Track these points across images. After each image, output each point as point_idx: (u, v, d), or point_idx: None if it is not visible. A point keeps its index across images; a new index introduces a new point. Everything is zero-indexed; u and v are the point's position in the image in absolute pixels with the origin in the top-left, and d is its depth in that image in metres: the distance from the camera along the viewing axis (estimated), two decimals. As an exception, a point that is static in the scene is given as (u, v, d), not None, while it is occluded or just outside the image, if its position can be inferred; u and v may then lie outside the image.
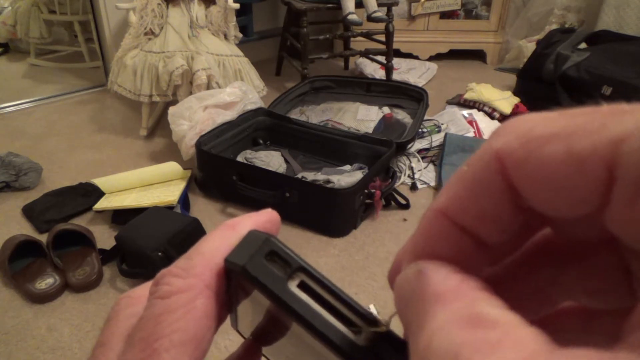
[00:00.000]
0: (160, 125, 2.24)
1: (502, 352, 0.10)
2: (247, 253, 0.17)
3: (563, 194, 0.11)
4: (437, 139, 2.01)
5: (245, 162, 1.76)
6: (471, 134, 2.06)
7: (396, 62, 2.75)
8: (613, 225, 0.11)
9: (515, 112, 2.28)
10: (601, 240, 0.14)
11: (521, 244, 0.15)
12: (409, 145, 1.92)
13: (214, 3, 2.13)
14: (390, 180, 1.67)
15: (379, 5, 2.35)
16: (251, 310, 0.20)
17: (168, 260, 1.28)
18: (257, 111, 1.94)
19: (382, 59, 2.61)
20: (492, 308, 0.11)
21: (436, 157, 1.98)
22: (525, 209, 0.13)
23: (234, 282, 0.18)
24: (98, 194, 1.66)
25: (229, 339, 1.16)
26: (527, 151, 0.12)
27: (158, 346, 0.16)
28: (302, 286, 0.16)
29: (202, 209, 1.68)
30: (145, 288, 0.19)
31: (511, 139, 0.12)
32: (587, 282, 0.15)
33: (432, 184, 1.85)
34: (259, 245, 0.17)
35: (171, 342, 0.16)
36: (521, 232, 0.15)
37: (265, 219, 0.20)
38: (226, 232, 0.19)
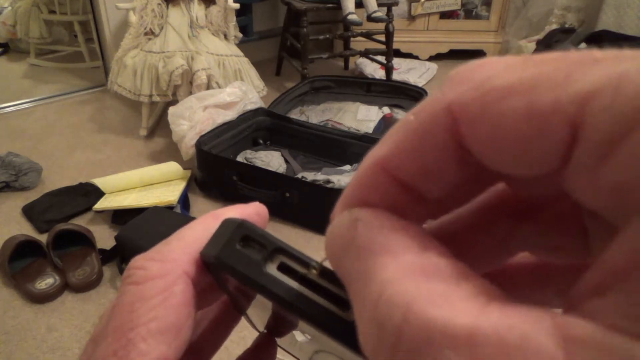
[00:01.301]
0: (160, 125, 2.24)
1: (455, 304, 0.10)
2: (221, 241, 0.16)
3: (520, 155, 0.10)
4: (437, 139, 2.01)
5: (245, 162, 1.76)
6: (471, 134, 2.06)
7: (396, 62, 2.75)
8: (570, 188, 0.10)
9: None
10: (558, 196, 0.13)
11: (468, 197, 0.14)
12: (409, 145, 1.92)
13: (214, 3, 2.13)
14: (390, 180, 1.66)
15: (379, 5, 2.35)
16: (260, 303, 0.19)
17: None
18: (257, 111, 1.94)
19: (382, 59, 2.61)
20: (442, 259, 0.11)
21: (436, 157, 1.98)
22: (475, 166, 0.11)
23: (218, 275, 0.17)
24: (98, 194, 1.65)
25: (230, 339, 1.16)
26: (482, 106, 0.10)
27: (134, 336, 0.15)
28: (283, 268, 0.15)
29: (202, 209, 1.68)
30: None
31: (466, 89, 0.11)
32: (543, 237, 0.14)
33: (432, 184, 1.85)
34: (232, 232, 0.16)
35: (148, 331, 0.15)
36: (469, 187, 0.13)
37: (251, 210, 0.19)
38: (209, 220, 0.18)
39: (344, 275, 0.12)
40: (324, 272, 0.15)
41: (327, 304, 0.14)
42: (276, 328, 0.22)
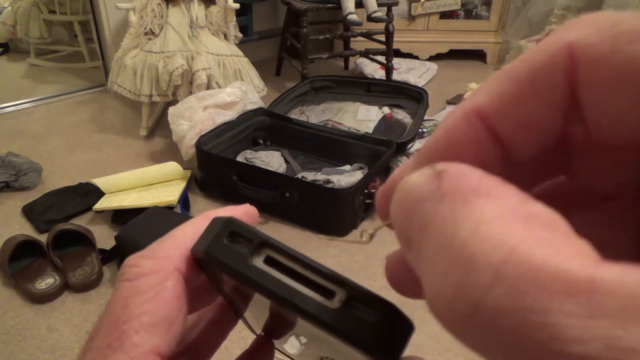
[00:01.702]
0: (160, 125, 2.24)
1: (567, 253, 0.09)
2: (210, 237, 0.16)
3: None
4: (437, 139, 2.01)
5: (245, 162, 1.76)
6: (471, 134, 2.06)
7: (396, 62, 2.75)
8: None
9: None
10: (617, 193, 0.12)
11: (541, 176, 0.14)
12: (409, 145, 1.92)
13: (214, 3, 2.13)
14: (390, 180, 1.66)
15: (379, 5, 2.35)
16: (257, 305, 0.20)
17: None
18: (257, 111, 1.94)
19: (382, 59, 2.61)
20: (548, 210, 0.10)
21: (436, 157, 1.97)
22: (575, 124, 0.11)
23: (209, 272, 0.18)
24: (98, 194, 1.66)
25: (229, 339, 1.16)
26: (612, 47, 0.10)
27: (127, 328, 0.15)
28: (269, 261, 0.16)
29: (202, 209, 1.68)
30: None
31: (592, 31, 0.10)
32: (594, 230, 0.13)
33: (432, 184, 1.85)
34: (220, 228, 0.16)
35: (141, 324, 0.15)
36: (551, 160, 0.13)
37: (241, 211, 0.19)
38: (200, 220, 0.18)
39: (411, 226, 0.11)
40: (309, 265, 0.15)
41: (312, 293, 0.15)
42: (273, 330, 0.22)
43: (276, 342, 0.23)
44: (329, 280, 0.15)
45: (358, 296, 0.15)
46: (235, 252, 0.16)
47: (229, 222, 0.16)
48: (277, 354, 0.23)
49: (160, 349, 0.16)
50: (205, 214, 0.18)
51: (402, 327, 0.15)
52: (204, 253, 0.16)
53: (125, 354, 0.15)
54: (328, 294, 0.15)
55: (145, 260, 0.17)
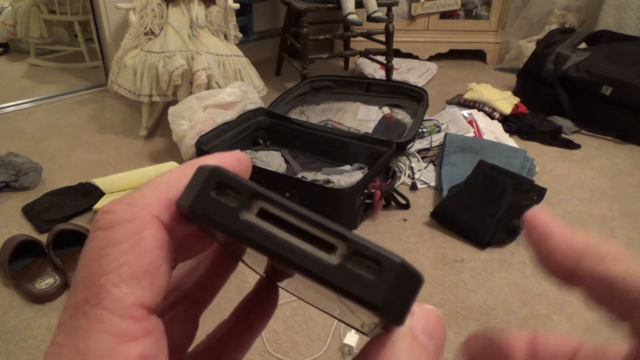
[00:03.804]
0: (160, 125, 2.24)
1: None
2: (195, 191, 0.15)
3: None
4: (437, 139, 2.01)
5: (245, 162, 1.76)
6: (471, 134, 2.06)
7: (396, 62, 2.75)
8: None
9: (515, 112, 2.28)
10: None
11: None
12: (409, 145, 1.92)
13: (214, 3, 2.13)
14: (390, 180, 1.67)
15: (379, 5, 2.35)
16: (254, 253, 0.18)
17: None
18: (257, 111, 1.94)
19: (382, 59, 2.61)
20: None
21: (436, 157, 1.98)
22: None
23: (201, 225, 0.16)
24: (98, 194, 1.66)
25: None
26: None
27: (104, 281, 0.14)
28: (262, 214, 0.14)
29: (202, 209, 1.68)
30: None
31: None
32: None
33: (432, 184, 1.85)
34: (205, 179, 0.15)
35: (119, 277, 0.14)
36: None
37: (232, 157, 0.18)
38: (185, 168, 0.17)
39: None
40: (306, 217, 0.14)
41: (311, 248, 0.14)
42: (274, 274, 0.21)
43: (285, 284, 0.22)
44: (328, 233, 0.14)
45: (360, 250, 0.14)
46: (225, 207, 0.14)
47: (215, 172, 0.15)
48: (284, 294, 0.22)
49: (145, 300, 0.14)
50: (191, 162, 0.17)
51: (410, 280, 0.14)
52: (189, 208, 0.15)
53: (106, 309, 0.14)
54: (328, 248, 0.14)
55: (120, 206, 0.15)
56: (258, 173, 1.63)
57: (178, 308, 0.19)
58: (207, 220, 0.15)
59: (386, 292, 0.13)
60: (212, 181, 0.15)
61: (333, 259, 0.14)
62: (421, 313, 0.16)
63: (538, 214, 0.17)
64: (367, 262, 0.13)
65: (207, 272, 0.21)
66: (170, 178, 0.16)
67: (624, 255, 0.15)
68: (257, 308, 0.21)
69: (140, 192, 0.16)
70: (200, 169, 0.15)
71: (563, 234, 0.16)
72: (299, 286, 0.19)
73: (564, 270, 0.16)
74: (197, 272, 0.20)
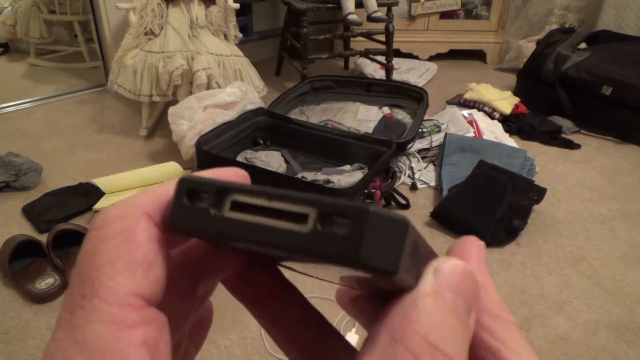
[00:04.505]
0: (160, 125, 2.24)
1: None
2: (172, 203, 0.15)
3: None
4: (437, 139, 2.01)
5: (245, 162, 1.76)
6: (471, 134, 2.06)
7: (396, 62, 2.75)
8: None
9: (515, 112, 2.28)
10: None
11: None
12: (409, 145, 1.92)
13: (214, 3, 2.13)
14: (390, 180, 1.67)
15: (379, 5, 2.35)
16: None
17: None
18: (257, 111, 1.93)
19: (382, 59, 2.61)
20: None
21: (436, 157, 1.98)
22: None
23: (191, 236, 0.16)
24: (98, 194, 1.66)
25: (229, 339, 1.16)
26: None
27: (98, 275, 0.14)
28: (236, 207, 0.14)
29: (202, 209, 1.68)
30: None
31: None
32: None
33: (432, 184, 1.85)
34: (177, 189, 0.15)
35: (113, 269, 0.14)
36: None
37: (230, 172, 0.17)
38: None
39: None
40: (274, 195, 0.14)
41: (283, 223, 0.13)
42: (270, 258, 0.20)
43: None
44: (298, 204, 0.13)
45: (329, 210, 0.13)
46: (197, 210, 0.14)
47: (183, 180, 0.15)
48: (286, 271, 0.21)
49: (141, 291, 0.14)
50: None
51: (390, 226, 0.13)
52: (169, 222, 0.15)
53: (102, 300, 0.13)
54: (300, 218, 0.13)
55: (113, 207, 0.15)
56: (258, 173, 1.63)
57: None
58: (184, 228, 0.15)
59: (363, 243, 0.12)
60: (182, 190, 0.15)
61: (305, 228, 0.13)
62: (446, 269, 0.14)
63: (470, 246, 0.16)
64: (338, 221, 0.13)
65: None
66: (163, 186, 0.16)
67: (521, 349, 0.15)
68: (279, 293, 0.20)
69: (133, 197, 0.16)
70: (178, 181, 0.15)
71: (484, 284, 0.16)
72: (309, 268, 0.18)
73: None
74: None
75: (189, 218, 0.14)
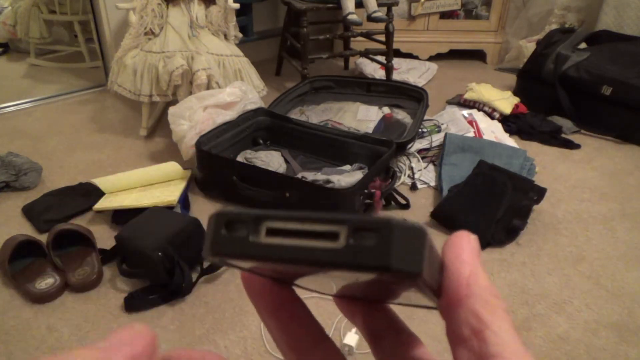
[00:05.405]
0: (160, 125, 2.24)
1: None
2: (210, 237, 0.17)
3: None
4: (437, 139, 2.01)
5: (245, 162, 1.76)
6: (471, 134, 2.06)
7: (396, 62, 2.75)
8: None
9: (515, 112, 2.28)
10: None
11: None
12: (409, 145, 1.92)
13: (214, 3, 2.13)
14: (390, 180, 1.67)
15: (379, 5, 2.35)
16: None
17: (168, 260, 1.28)
18: (257, 111, 1.94)
19: (382, 59, 2.61)
20: None
21: (436, 157, 1.98)
22: None
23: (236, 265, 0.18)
24: (98, 194, 1.66)
25: (229, 339, 1.16)
26: None
27: None
28: (272, 232, 0.16)
29: (202, 209, 1.68)
30: None
31: None
32: None
33: (432, 184, 1.85)
34: (214, 225, 0.17)
35: None
36: None
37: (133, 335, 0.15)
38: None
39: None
40: (305, 218, 0.16)
41: (318, 243, 0.15)
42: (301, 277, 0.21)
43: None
44: (329, 224, 0.15)
45: (358, 226, 0.15)
46: (236, 239, 0.16)
47: (218, 215, 0.17)
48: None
49: None
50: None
51: (411, 234, 0.15)
52: (211, 254, 0.16)
53: None
54: (333, 237, 0.15)
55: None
56: (258, 173, 1.64)
57: None
58: (229, 257, 0.16)
59: (392, 252, 0.14)
60: (220, 222, 0.17)
61: (338, 244, 0.15)
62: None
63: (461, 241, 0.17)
64: (368, 235, 0.15)
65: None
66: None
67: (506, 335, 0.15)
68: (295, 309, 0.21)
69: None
70: (210, 218, 0.17)
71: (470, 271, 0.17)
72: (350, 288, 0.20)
73: (448, 297, 0.16)
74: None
75: (230, 246, 0.16)
